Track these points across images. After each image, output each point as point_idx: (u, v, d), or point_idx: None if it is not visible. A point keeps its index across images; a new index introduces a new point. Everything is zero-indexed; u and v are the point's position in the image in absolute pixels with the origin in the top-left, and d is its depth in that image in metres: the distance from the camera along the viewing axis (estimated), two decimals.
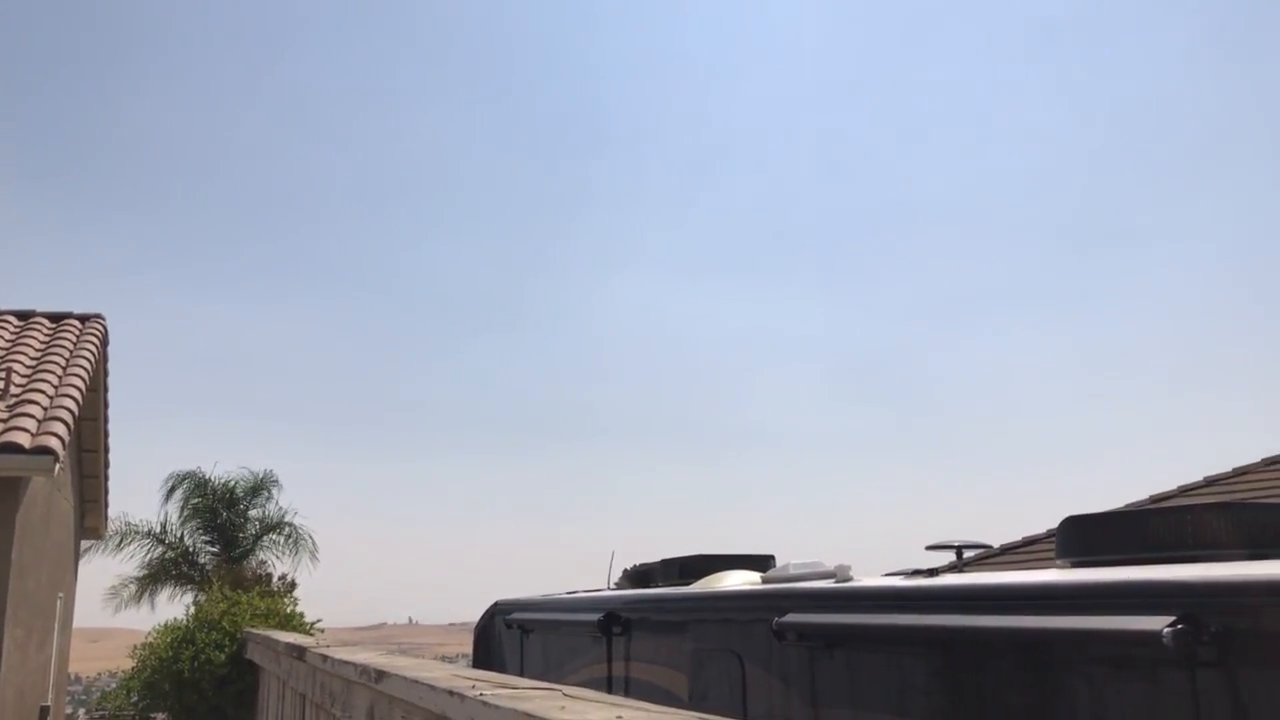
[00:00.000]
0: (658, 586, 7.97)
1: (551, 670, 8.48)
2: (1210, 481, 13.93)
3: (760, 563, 7.45)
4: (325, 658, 4.65)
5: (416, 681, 2.22)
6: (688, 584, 7.33)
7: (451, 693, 1.88)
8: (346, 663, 3.84)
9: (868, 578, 5.72)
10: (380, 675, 2.87)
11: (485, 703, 1.68)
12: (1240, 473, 13.86)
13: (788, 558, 6.69)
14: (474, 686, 1.86)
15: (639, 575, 8.69)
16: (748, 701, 5.74)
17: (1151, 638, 3.31)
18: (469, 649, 11.16)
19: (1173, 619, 3.31)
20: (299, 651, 6.05)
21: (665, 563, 8.20)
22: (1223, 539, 4.25)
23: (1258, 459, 14.03)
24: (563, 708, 1.51)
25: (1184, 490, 13.86)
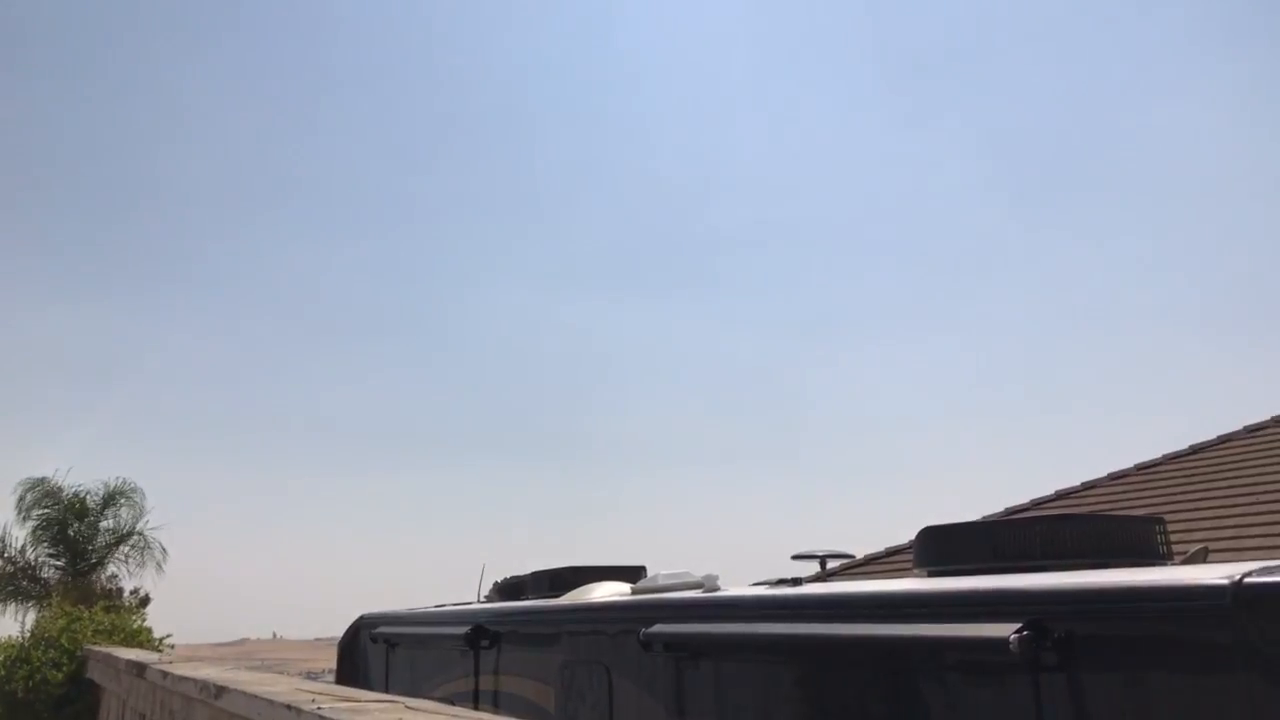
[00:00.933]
0: (528, 599, 7.89)
1: (418, 685, 8.30)
2: (1060, 495, 14.59)
3: (631, 574, 7.45)
4: (165, 674, 4.44)
5: (256, 697, 2.12)
6: (558, 596, 7.27)
7: (289, 706, 1.80)
8: (187, 679, 3.67)
9: (735, 587, 5.78)
10: (220, 691, 2.74)
11: (323, 716, 1.61)
12: (1088, 486, 14.56)
13: (659, 569, 6.70)
14: (313, 700, 1.78)
15: (509, 588, 8.59)
16: (614, 713, 5.71)
17: (1000, 644, 3.42)
18: (334, 664, 10.84)
19: (1019, 626, 3.42)
20: (139, 668, 5.76)
21: (535, 575, 8.13)
22: (1069, 549, 4.43)
23: (1104, 474, 14.76)
24: (400, 719, 1.45)
25: (1036, 503, 14.47)
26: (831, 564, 8.45)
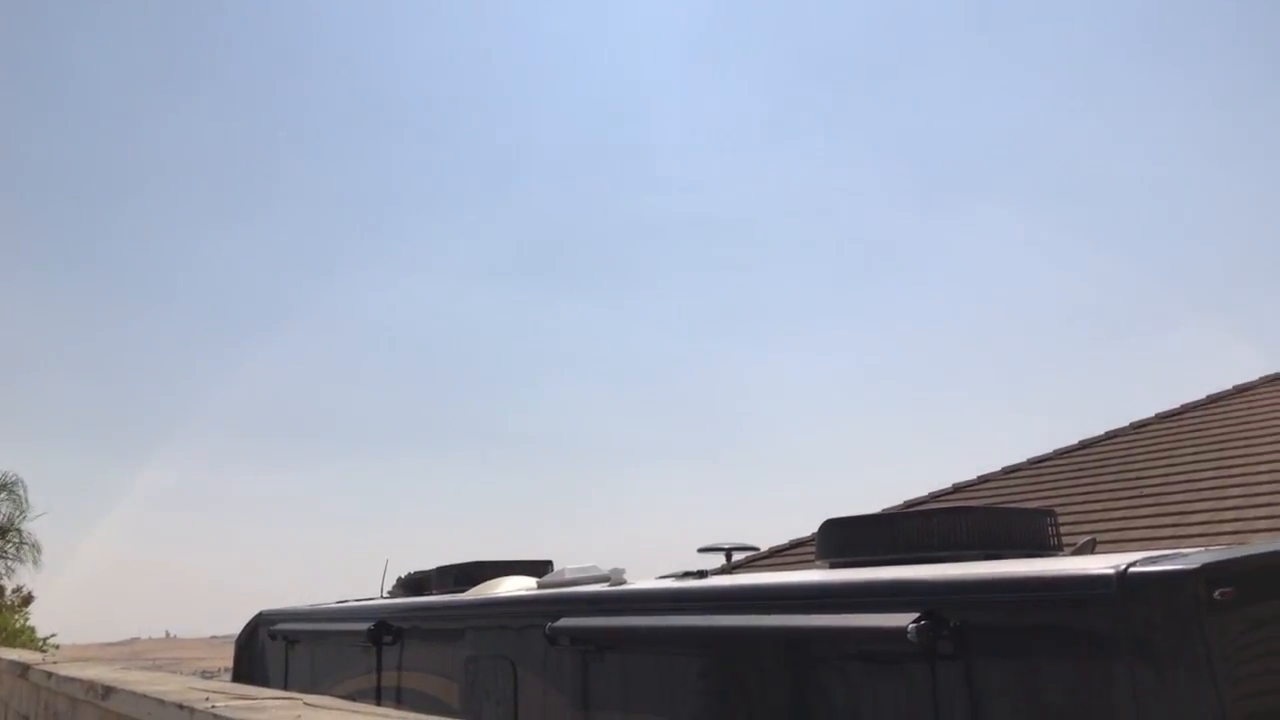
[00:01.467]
0: (433, 594, 7.81)
1: (319, 682, 8.14)
2: (958, 488, 15.00)
3: (538, 568, 7.42)
4: (50, 675, 4.26)
5: (145, 696, 2.04)
6: (463, 591, 7.21)
7: (182, 706, 1.74)
8: (73, 679, 3.53)
9: (641, 581, 5.80)
10: (108, 691, 2.63)
11: (217, 715, 1.56)
12: (983, 480, 15.00)
13: (566, 563, 6.69)
14: (208, 699, 1.73)
15: (414, 583, 8.49)
16: (519, 707, 5.68)
17: (898, 633, 3.49)
18: (232, 663, 10.56)
19: (917, 615, 3.50)
20: (22, 669, 5.53)
21: (441, 570, 8.05)
22: (964, 540, 4.56)
23: (998, 468, 15.22)
24: (298, 716, 1.41)
25: (934, 495, 14.86)
26: (737, 556, 8.55)
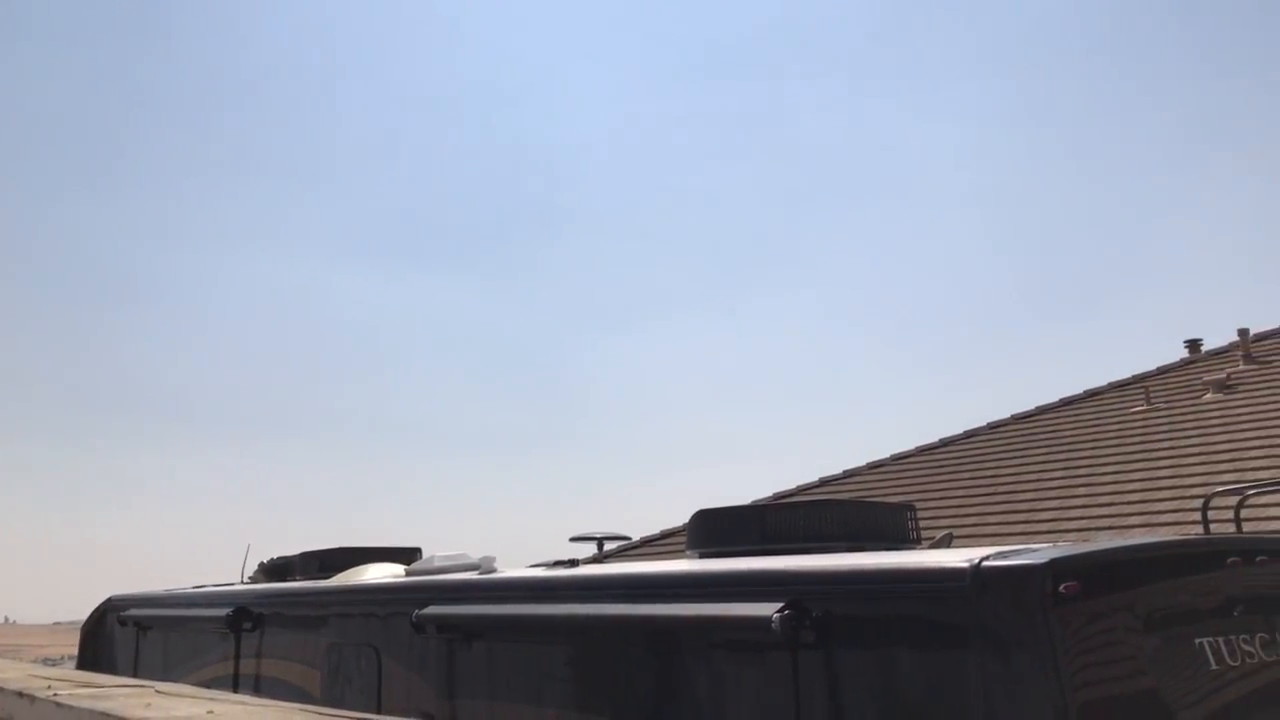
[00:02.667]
0: (296, 581, 7.61)
1: (172, 670, 7.84)
2: (824, 481, 15.43)
3: (406, 556, 7.32)
4: None
5: None
6: (328, 578, 7.05)
7: (22, 694, 1.65)
8: None
9: (512, 569, 5.77)
10: None
11: (59, 704, 1.49)
12: (849, 474, 15.46)
13: (436, 551, 6.61)
14: (49, 687, 1.65)
15: (276, 569, 8.27)
16: (383, 695, 5.60)
17: (762, 623, 3.57)
18: (77, 650, 10.08)
19: (781, 605, 3.59)
20: None
21: (305, 556, 7.86)
22: (829, 532, 4.68)
23: (864, 463, 15.70)
24: (149, 705, 1.36)
25: (802, 488, 15.25)
26: (608, 546, 8.60)
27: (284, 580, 7.84)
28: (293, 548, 8.26)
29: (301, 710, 1.41)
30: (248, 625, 6.99)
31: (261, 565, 8.59)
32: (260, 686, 6.77)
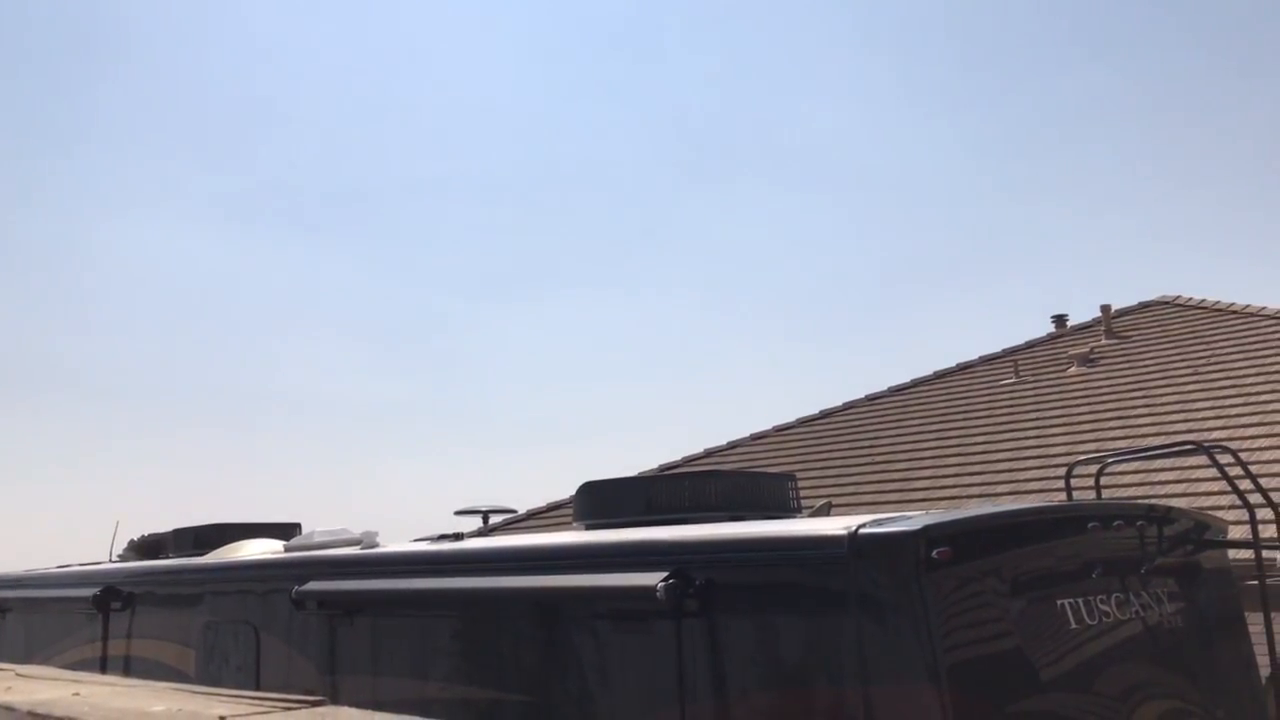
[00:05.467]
0: (169, 558, 7.37)
1: (35, 653, 7.52)
2: (709, 453, 15.65)
3: (285, 531, 7.15)
4: None
5: None
6: (203, 554, 6.85)
7: None
8: None
9: (395, 544, 5.70)
10: None
11: None
12: (732, 445, 15.71)
13: (316, 526, 6.47)
14: None
15: (147, 546, 8.00)
16: (262, 674, 5.48)
17: (648, 592, 3.61)
18: None
19: (666, 574, 3.63)
20: None
21: (178, 532, 7.62)
22: (712, 502, 4.76)
23: (747, 434, 15.98)
24: (9, 688, 1.30)
25: (687, 460, 15.44)
26: (494, 519, 8.56)
27: (156, 558, 7.59)
28: (165, 525, 8.00)
29: (173, 689, 1.37)
30: (117, 605, 6.74)
31: (131, 543, 8.31)
32: (131, 668, 6.55)
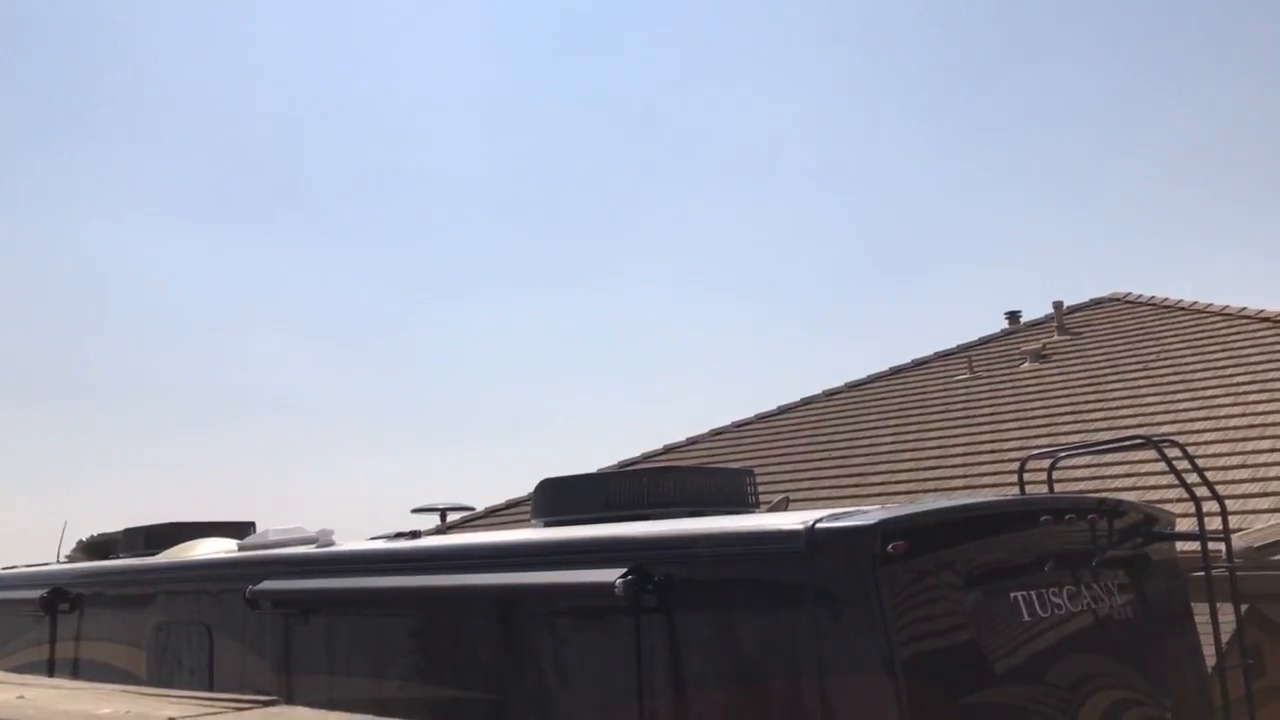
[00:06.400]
0: (120, 558, 7.24)
1: None
2: (668, 449, 15.66)
3: (239, 530, 7.06)
4: None
5: None
6: (155, 554, 6.74)
7: None
8: None
9: (351, 542, 5.65)
10: None
11: None
12: (692, 441, 15.73)
13: (271, 525, 6.39)
14: None
15: (97, 547, 7.86)
16: (215, 674, 5.41)
17: (606, 588, 3.61)
18: None
19: (625, 570, 3.63)
20: None
21: (129, 532, 7.50)
22: (671, 498, 4.76)
23: (706, 430, 16.01)
24: None
25: (646, 456, 15.44)
26: (452, 517, 8.51)
27: (106, 558, 7.46)
28: (115, 525, 7.86)
29: (122, 691, 1.34)
30: (64, 607, 6.63)
31: (80, 543, 8.17)
32: (79, 671, 6.43)
